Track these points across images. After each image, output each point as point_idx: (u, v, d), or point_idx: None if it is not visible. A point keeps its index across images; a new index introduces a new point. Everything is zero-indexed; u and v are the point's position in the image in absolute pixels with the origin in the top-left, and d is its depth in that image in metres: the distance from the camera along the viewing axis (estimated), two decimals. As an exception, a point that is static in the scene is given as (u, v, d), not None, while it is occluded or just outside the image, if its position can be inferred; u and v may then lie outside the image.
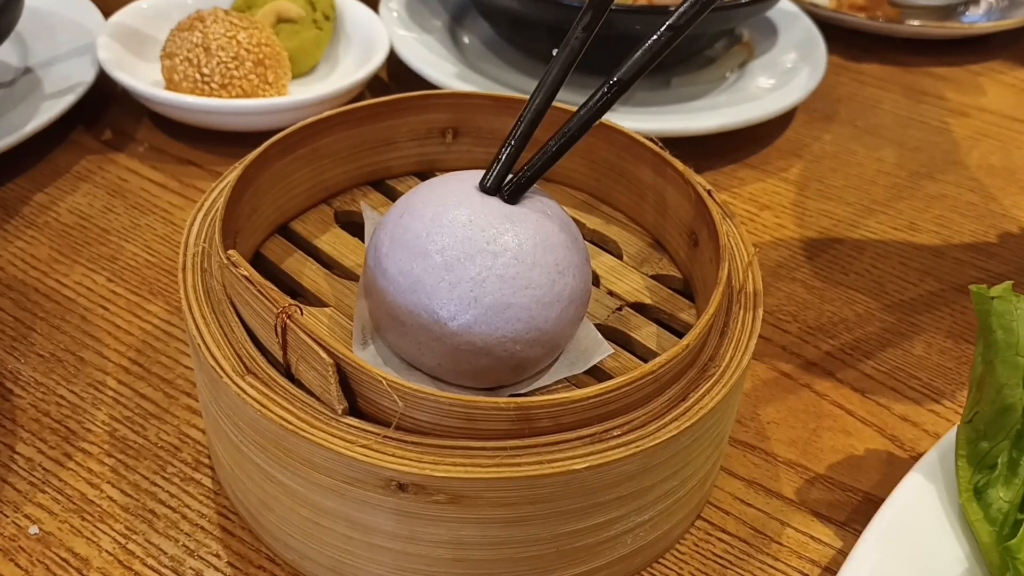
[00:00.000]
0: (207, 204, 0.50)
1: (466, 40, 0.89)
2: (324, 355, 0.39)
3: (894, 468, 0.53)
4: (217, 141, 0.74)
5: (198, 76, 0.71)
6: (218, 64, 0.71)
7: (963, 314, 0.65)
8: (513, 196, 0.45)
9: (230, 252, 0.43)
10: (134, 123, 0.77)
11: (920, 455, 0.52)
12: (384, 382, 0.38)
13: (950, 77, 0.95)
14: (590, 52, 0.81)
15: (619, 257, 0.55)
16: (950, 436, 0.48)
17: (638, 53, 0.45)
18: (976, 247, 0.71)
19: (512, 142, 0.47)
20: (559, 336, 0.44)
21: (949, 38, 1.00)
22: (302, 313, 0.41)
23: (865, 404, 0.57)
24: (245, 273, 0.42)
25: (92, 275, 0.61)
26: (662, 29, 0.44)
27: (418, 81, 0.79)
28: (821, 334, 0.62)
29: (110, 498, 0.48)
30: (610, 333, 0.50)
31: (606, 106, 0.46)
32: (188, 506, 0.48)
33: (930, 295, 0.66)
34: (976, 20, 1.02)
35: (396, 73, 0.84)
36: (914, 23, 0.97)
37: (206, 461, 0.50)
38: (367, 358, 0.46)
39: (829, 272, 0.68)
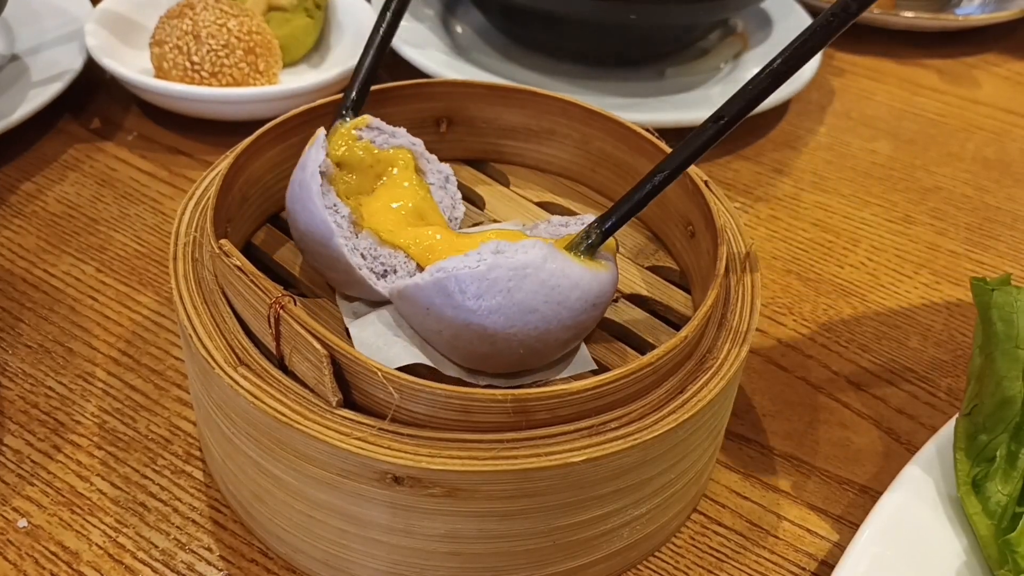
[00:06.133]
0: (198, 193, 0.49)
1: (458, 29, 0.88)
2: (318, 346, 0.38)
3: (890, 461, 0.53)
4: (207, 130, 0.73)
5: (188, 64, 0.70)
6: (208, 52, 0.70)
7: (958, 307, 0.65)
8: (597, 245, 0.44)
9: (222, 241, 0.42)
10: (123, 111, 0.76)
11: (916, 448, 0.52)
12: (379, 374, 0.38)
13: (945, 69, 0.95)
14: (587, 41, 0.80)
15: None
16: (948, 429, 0.48)
17: (742, 92, 0.42)
18: (971, 240, 0.71)
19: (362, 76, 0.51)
20: (556, 355, 0.44)
21: (944, 30, 1.00)
22: (295, 303, 0.40)
23: (861, 397, 0.57)
24: (237, 263, 0.41)
25: (80, 265, 0.61)
26: (764, 73, 0.42)
27: (410, 70, 0.78)
28: (816, 327, 0.62)
29: (100, 491, 0.47)
30: (607, 324, 0.50)
31: (703, 148, 0.44)
32: (179, 499, 0.47)
33: (925, 288, 0.66)
34: (970, 12, 1.01)
35: (388, 62, 0.83)
36: (908, 15, 0.97)
37: (197, 453, 0.50)
38: (365, 329, 0.45)
39: (824, 265, 0.67)
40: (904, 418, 0.56)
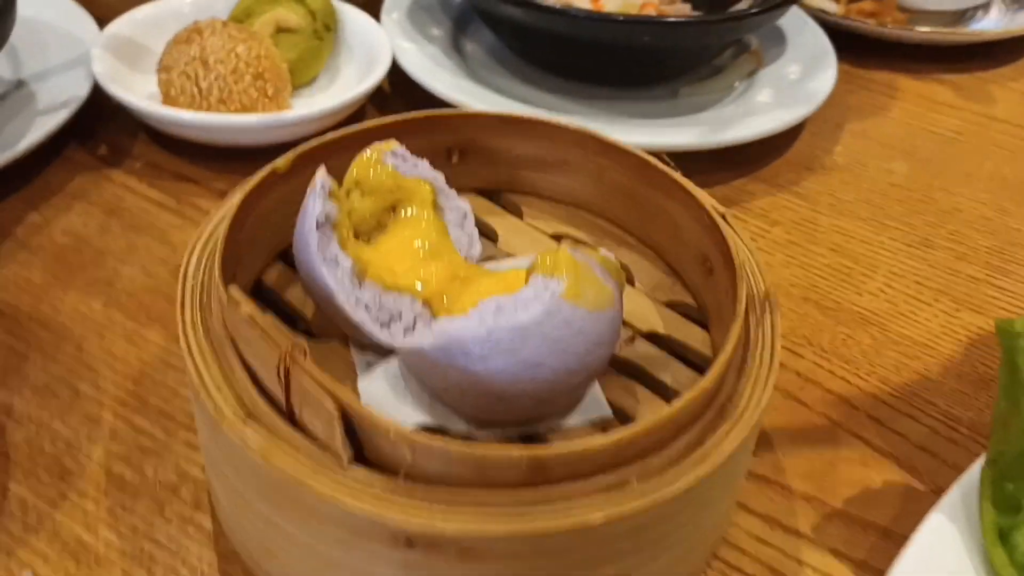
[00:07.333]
0: (206, 233, 0.48)
1: (469, 49, 0.87)
2: (329, 402, 0.37)
3: (912, 502, 0.52)
4: (216, 156, 0.72)
5: (196, 90, 0.69)
6: (216, 78, 0.69)
7: (979, 335, 0.63)
8: None
9: (231, 288, 0.41)
10: (130, 138, 0.75)
11: (938, 488, 0.51)
12: (392, 432, 0.37)
13: (961, 84, 0.94)
14: (599, 62, 0.80)
15: (631, 283, 0.54)
16: (972, 474, 0.47)
17: None
18: (991, 264, 0.70)
19: None
20: (567, 399, 0.43)
21: (959, 44, 0.98)
22: (307, 355, 0.39)
23: (882, 433, 0.56)
24: (248, 312, 0.40)
25: (88, 300, 0.60)
26: None
27: (421, 91, 0.77)
28: (836, 358, 0.60)
29: (106, 541, 0.46)
30: (622, 365, 0.49)
31: None
32: (188, 549, 0.46)
33: (945, 315, 0.65)
34: (986, 26, 1.00)
35: (398, 82, 0.82)
36: (924, 29, 0.96)
37: (206, 499, 0.49)
38: (373, 383, 0.45)
39: (843, 292, 0.66)
40: (926, 455, 0.55)
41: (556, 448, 0.37)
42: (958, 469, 0.54)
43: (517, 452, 0.37)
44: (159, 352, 0.57)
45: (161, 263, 0.63)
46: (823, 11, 0.96)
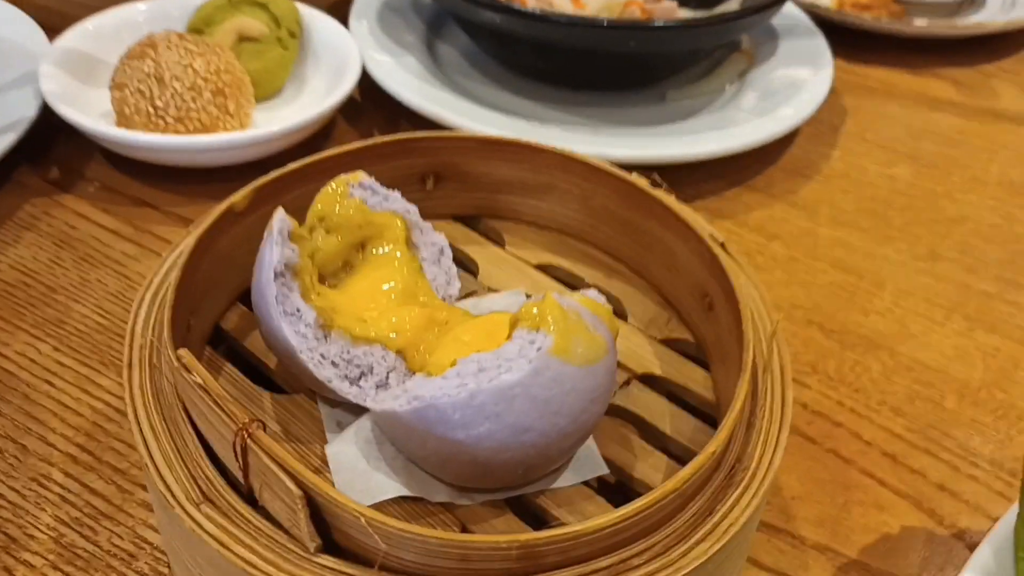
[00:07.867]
0: (156, 282, 0.44)
1: (444, 53, 0.83)
2: (292, 486, 0.33)
3: (935, 549, 0.48)
4: (175, 178, 0.67)
5: (151, 109, 0.64)
6: (172, 96, 0.64)
7: (995, 358, 0.59)
8: None
9: (181, 353, 0.37)
10: (84, 158, 0.70)
11: (962, 532, 0.47)
12: (363, 519, 0.32)
13: (961, 79, 0.90)
14: (582, 68, 0.75)
15: (623, 318, 0.50)
16: (1003, 527, 0.43)
17: None
18: (1003, 277, 0.66)
19: None
20: (559, 462, 0.39)
21: (958, 37, 0.94)
22: (265, 429, 0.35)
23: (897, 471, 0.52)
24: (199, 380, 0.36)
25: (36, 343, 0.55)
26: None
27: (394, 99, 0.73)
28: (844, 387, 0.56)
29: (54, 625, 0.42)
30: (618, 412, 0.44)
31: None
32: (144, 632, 0.42)
33: (958, 336, 0.61)
34: (986, 17, 0.96)
35: (369, 89, 0.77)
36: (921, 22, 0.91)
37: (165, 571, 0.44)
38: (343, 447, 0.40)
39: (848, 312, 0.62)
40: (946, 496, 0.51)
41: (550, 533, 0.33)
42: (981, 511, 0.50)
43: (506, 540, 0.32)
44: (112, 400, 0.52)
45: (116, 299, 0.58)
46: (815, 6, 0.91)
